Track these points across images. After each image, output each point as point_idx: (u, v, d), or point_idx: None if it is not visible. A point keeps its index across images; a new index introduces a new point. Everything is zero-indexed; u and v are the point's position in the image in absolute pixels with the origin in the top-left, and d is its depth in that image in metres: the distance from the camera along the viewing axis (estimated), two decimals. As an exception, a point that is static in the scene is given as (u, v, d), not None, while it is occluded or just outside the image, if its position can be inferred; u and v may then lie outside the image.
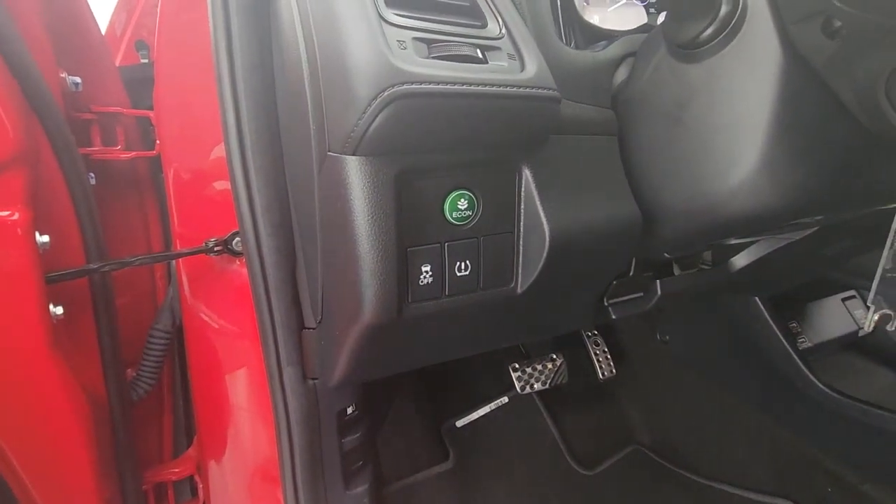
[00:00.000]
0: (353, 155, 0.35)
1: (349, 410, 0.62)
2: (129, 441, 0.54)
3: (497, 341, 0.56)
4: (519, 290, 0.44)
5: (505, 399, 1.04)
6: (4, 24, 0.41)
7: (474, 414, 1.02)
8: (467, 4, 0.39)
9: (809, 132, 0.41)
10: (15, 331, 0.41)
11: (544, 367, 0.98)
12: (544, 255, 0.42)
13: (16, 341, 0.41)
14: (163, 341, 0.62)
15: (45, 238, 0.43)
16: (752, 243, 0.63)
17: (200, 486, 0.67)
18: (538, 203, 0.41)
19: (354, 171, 0.35)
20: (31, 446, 0.43)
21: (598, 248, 0.46)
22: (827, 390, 0.78)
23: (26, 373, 0.42)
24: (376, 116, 0.32)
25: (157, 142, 0.55)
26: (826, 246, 0.64)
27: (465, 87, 0.34)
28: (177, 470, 0.65)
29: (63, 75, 0.49)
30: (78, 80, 0.50)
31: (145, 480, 0.63)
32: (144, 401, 0.65)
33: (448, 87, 0.33)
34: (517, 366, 0.95)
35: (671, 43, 0.44)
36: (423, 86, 0.32)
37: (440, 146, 0.37)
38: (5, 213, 0.40)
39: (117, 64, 0.58)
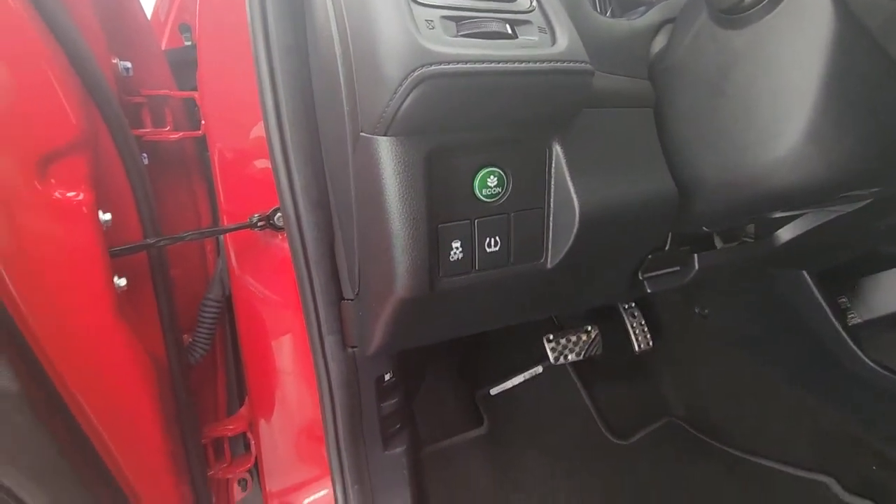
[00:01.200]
0: (385, 136, 0.36)
1: (387, 377, 0.65)
2: (189, 400, 0.59)
3: (528, 314, 0.57)
4: (549, 266, 0.45)
5: (539, 369, 1.05)
6: (61, 16, 0.44)
7: (508, 383, 1.05)
8: None
9: (860, 99, 0.38)
10: (85, 301, 0.45)
11: (578, 338, 0.99)
12: (574, 231, 0.42)
13: (86, 311, 0.45)
14: (214, 310, 0.66)
15: (108, 216, 0.47)
16: (798, 216, 0.60)
17: (252, 442, 0.72)
18: (568, 179, 0.41)
19: (386, 152, 0.36)
20: (105, 404, 0.48)
21: (631, 225, 0.46)
22: (876, 367, 0.75)
23: (97, 339, 0.46)
24: (406, 98, 0.33)
25: (203, 122, 0.58)
26: (880, 219, 0.60)
27: (493, 64, 0.34)
28: (231, 427, 0.71)
29: (115, 61, 0.52)
30: (129, 64, 0.53)
31: (204, 435, 0.69)
32: (200, 364, 0.70)
33: (476, 65, 0.33)
34: (551, 337, 0.96)
35: (713, 8, 0.42)
36: (451, 65, 0.33)
37: (470, 125, 0.37)
38: (72, 194, 0.44)
39: (163, 47, 0.60)
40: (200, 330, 0.66)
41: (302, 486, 0.74)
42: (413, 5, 0.34)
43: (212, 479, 0.71)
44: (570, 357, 0.99)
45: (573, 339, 0.99)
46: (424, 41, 0.33)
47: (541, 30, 0.37)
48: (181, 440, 0.59)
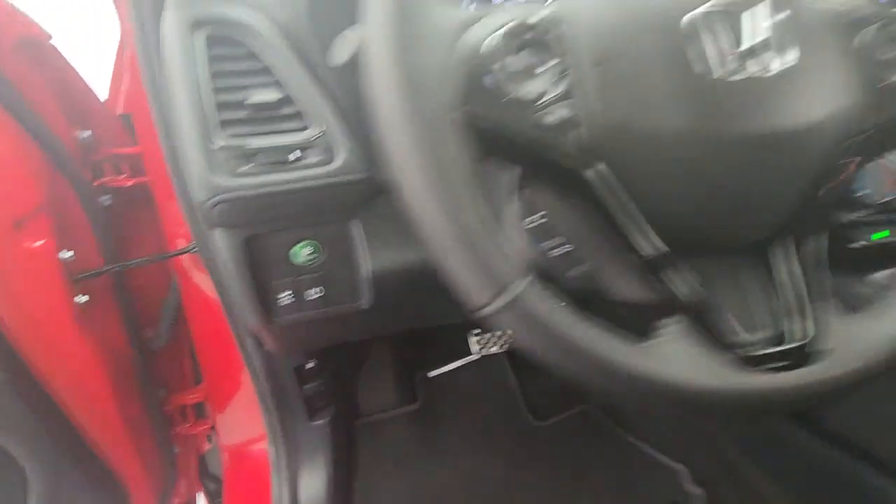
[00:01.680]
0: (209, 229, 0.51)
1: (308, 365, 0.82)
2: (147, 378, 0.80)
3: (380, 331, 0.72)
4: (366, 306, 0.59)
5: (476, 356, 1.20)
6: (19, 103, 0.61)
7: (446, 367, 1.21)
8: (294, 113, 0.51)
9: None
10: (52, 315, 0.64)
11: (504, 332, 1.13)
12: (371, 288, 0.56)
13: (53, 321, 0.65)
14: (173, 309, 0.86)
15: (70, 253, 0.66)
16: None
17: (210, 408, 0.94)
18: (366, 248, 0.55)
19: (212, 237, 0.52)
20: (75, 387, 0.68)
21: (428, 283, 0.58)
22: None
23: (64, 340, 0.66)
24: (212, 211, 0.48)
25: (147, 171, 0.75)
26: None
27: (273, 188, 0.48)
28: (192, 396, 0.92)
29: (77, 133, 0.70)
30: (88, 132, 0.71)
31: (171, 402, 0.91)
32: (172, 345, 0.91)
33: (259, 190, 0.48)
34: (478, 330, 1.10)
35: None
36: (238, 193, 0.47)
37: (273, 222, 0.52)
38: (39, 243, 0.63)
39: (118, 113, 0.78)
40: (162, 324, 0.86)
41: (248, 444, 0.95)
42: (215, 144, 0.48)
43: (179, 435, 0.93)
44: (493, 349, 1.13)
45: (498, 332, 1.13)
46: (216, 177, 0.47)
47: (324, 151, 0.50)
48: (144, 410, 0.80)
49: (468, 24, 0.34)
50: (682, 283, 0.36)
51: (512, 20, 0.33)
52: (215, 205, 0.47)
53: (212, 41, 0.50)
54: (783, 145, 0.35)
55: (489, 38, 0.33)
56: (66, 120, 0.68)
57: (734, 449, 0.89)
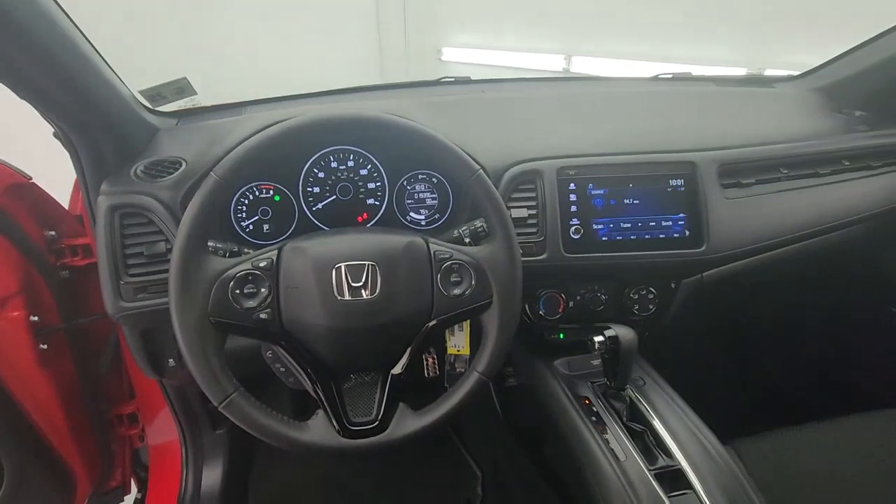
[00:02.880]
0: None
1: None
2: (95, 392, 1.14)
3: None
4: None
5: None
6: (6, 224, 0.95)
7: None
8: None
9: None
10: (21, 358, 0.98)
11: None
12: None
13: (23, 363, 0.99)
14: (114, 345, 1.20)
15: (35, 318, 1.00)
16: None
17: (140, 417, 1.28)
18: None
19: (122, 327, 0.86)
20: (41, 409, 1.02)
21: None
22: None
23: (30, 375, 1.00)
24: (118, 320, 0.82)
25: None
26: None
27: (157, 307, 0.82)
28: (128, 407, 1.27)
29: (45, 232, 1.03)
30: (52, 232, 1.05)
31: (112, 412, 1.25)
32: (114, 370, 1.25)
33: (148, 309, 0.82)
34: None
35: None
36: (134, 311, 0.82)
37: (159, 323, 0.86)
38: (15, 313, 0.96)
39: (76, 214, 1.11)
40: (105, 356, 1.20)
41: (167, 445, 1.30)
42: (121, 277, 0.82)
43: (117, 436, 1.27)
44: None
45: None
46: (119, 301, 0.82)
47: None
48: (88, 419, 1.15)
49: (225, 269, 0.69)
50: (323, 393, 0.72)
51: (248, 267, 0.69)
52: (118, 318, 0.82)
53: (125, 215, 0.84)
54: (379, 330, 0.70)
55: (235, 277, 0.69)
56: (37, 225, 1.02)
57: (522, 458, 1.25)
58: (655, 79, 1.38)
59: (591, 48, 3.01)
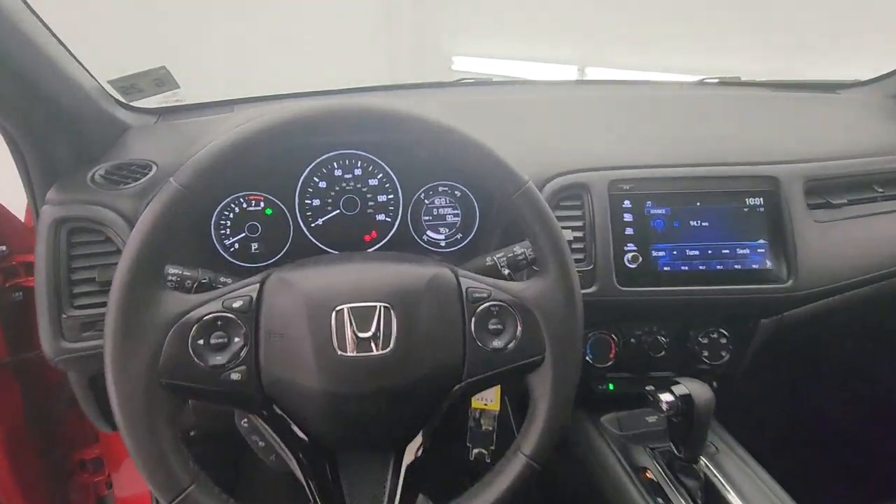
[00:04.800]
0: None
1: (192, 433, 0.98)
2: (54, 435, 0.97)
3: None
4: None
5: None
6: None
7: None
8: None
9: None
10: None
11: None
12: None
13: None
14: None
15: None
16: None
17: (105, 461, 1.10)
18: None
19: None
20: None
21: None
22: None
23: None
24: (57, 365, 0.65)
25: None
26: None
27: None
28: (93, 452, 1.08)
29: (-3, 247, 0.87)
30: (4, 247, 0.88)
31: (74, 457, 1.07)
32: (74, 411, 1.07)
33: (96, 351, 0.64)
34: None
35: None
36: (79, 354, 0.65)
37: None
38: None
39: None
40: (64, 393, 1.02)
41: (137, 498, 1.11)
42: (63, 310, 0.65)
43: (78, 483, 1.09)
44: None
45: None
46: (59, 341, 0.65)
47: None
48: (37, 467, 0.97)
49: (185, 311, 0.50)
50: (315, 482, 0.54)
51: (216, 308, 0.50)
52: (58, 363, 0.64)
53: (75, 231, 0.67)
54: (392, 396, 0.52)
55: (198, 321, 0.50)
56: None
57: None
58: (701, 83, 1.22)
59: (607, 58, 2.86)
